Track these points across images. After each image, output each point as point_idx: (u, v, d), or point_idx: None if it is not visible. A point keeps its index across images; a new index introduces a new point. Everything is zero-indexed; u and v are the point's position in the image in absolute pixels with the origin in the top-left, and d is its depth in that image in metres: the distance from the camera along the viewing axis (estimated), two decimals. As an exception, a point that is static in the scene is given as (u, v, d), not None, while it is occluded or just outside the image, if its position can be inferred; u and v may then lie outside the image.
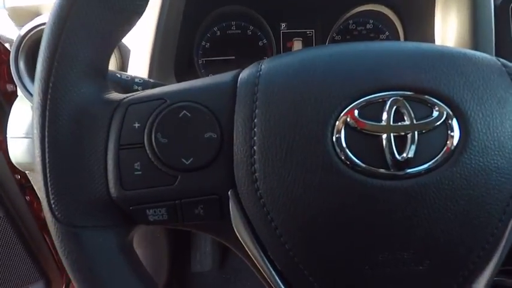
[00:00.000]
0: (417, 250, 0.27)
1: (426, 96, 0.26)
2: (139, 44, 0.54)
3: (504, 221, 0.27)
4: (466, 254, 0.27)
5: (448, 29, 0.57)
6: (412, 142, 0.25)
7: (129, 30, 0.32)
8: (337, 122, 0.26)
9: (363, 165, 0.26)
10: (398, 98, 0.26)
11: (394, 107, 0.26)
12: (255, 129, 0.27)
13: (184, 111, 0.27)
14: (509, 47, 0.56)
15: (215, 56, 0.74)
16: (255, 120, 0.27)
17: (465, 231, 0.27)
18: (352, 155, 0.26)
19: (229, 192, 0.28)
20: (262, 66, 0.29)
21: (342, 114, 0.26)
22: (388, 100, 0.26)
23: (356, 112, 0.26)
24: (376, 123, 0.26)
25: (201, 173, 0.28)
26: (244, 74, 0.29)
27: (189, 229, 0.30)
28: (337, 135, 0.26)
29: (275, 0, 0.71)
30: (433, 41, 0.60)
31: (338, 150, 0.26)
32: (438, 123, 0.26)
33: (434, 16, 0.58)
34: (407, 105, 0.26)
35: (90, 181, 0.27)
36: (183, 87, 0.29)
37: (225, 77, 0.29)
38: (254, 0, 0.70)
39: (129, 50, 0.62)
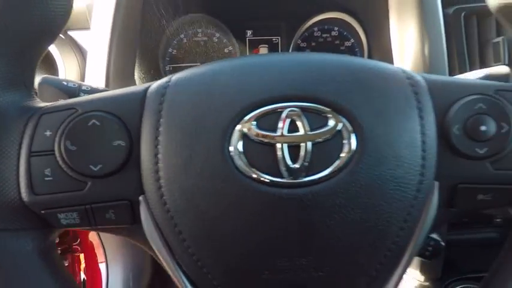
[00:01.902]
0: (316, 257, 0.27)
1: (322, 107, 0.27)
2: (94, 51, 0.55)
3: (406, 229, 0.28)
4: (367, 261, 0.28)
5: (404, 38, 0.58)
6: (306, 151, 0.26)
7: (55, 34, 0.32)
8: (235, 133, 0.26)
9: (260, 174, 0.26)
10: (295, 109, 0.26)
11: (290, 118, 0.26)
12: (159, 138, 0.27)
13: (94, 120, 0.28)
14: (462, 55, 0.56)
15: (182, 62, 0.75)
16: (160, 129, 0.28)
17: (364, 239, 0.27)
18: (249, 164, 0.26)
19: (140, 198, 0.29)
20: (173, 78, 0.29)
21: (239, 125, 0.26)
22: (284, 111, 0.26)
23: (253, 123, 0.26)
24: (271, 133, 0.26)
25: (110, 179, 0.28)
26: (155, 84, 0.30)
27: (103, 232, 0.31)
28: (234, 146, 0.26)
29: (240, 8, 0.72)
30: (390, 48, 0.61)
31: (235, 160, 0.26)
32: (333, 133, 0.26)
33: (389, 21, 0.59)
34: (303, 116, 0.26)
35: (2, 186, 0.28)
36: (96, 97, 0.30)
37: (138, 87, 0.30)
38: (219, 9, 0.71)
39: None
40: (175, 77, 0.30)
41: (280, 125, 0.26)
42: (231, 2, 0.71)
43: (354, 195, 0.26)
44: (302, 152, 0.26)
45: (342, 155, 0.26)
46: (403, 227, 0.28)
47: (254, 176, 0.26)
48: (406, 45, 0.57)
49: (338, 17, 0.71)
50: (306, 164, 0.26)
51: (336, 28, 0.73)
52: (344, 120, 0.26)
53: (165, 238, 0.28)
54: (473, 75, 0.45)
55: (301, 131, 0.26)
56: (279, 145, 0.26)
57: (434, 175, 0.28)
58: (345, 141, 0.26)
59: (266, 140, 0.26)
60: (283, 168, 0.26)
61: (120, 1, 0.53)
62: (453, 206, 0.30)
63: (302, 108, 0.27)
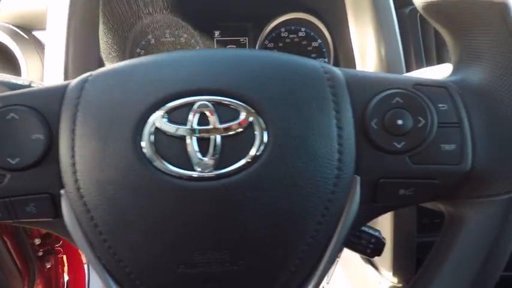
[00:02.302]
0: (231, 250, 0.27)
1: (233, 101, 0.27)
2: (50, 51, 0.55)
3: (325, 224, 0.28)
4: (284, 256, 0.28)
5: (363, 38, 0.58)
6: (216, 145, 0.26)
7: None
8: (147, 126, 0.26)
9: (171, 167, 0.26)
10: (206, 102, 0.26)
11: (201, 111, 0.26)
12: (76, 131, 0.27)
13: (12, 114, 0.28)
14: (419, 55, 0.57)
15: (150, 63, 0.75)
16: (76, 122, 0.27)
17: (279, 233, 0.27)
18: (161, 157, 0.26)
19: (61, 192, 0.28)
20: (94, 72, 0.29)
21: (151, 118, 0.26)
22: (195, 104, 0.26)
23: (165, 116, 0.26)
24: (181, 127, 0.26)
25: (29, 173, 0.28)
26: (76, 79, 0.30)
27: (28, 226, 0.31)
28: (146, 139, 0.26)
29: (207, 8, 0.72)
30: (351, 45, 0.61)
31: (147, 153, 0.26)
32: (243, 126, 0.26)
33: (348, 21, 0.59)
34: (213, 109, 0.26)
35: None
36: (19, 92, 0.30)
37: (61, 83, 0.30)
38: (186, 9, 0.72)
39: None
40: (96, 72, 0.29)
41: (190, 118, 0.26)
42: (198, 3, 0.71)
43: (266, 189, 0.26)
44: (212, 145, 0.26)
45: (253, 148, 0.26)
46: (320, 222, 0.28)
47: (165, 169, 0.26)
48: (365, 45, 0.58)
49: (303, 17, 0.72)
50: (216, 157, 0.26)
51: (302, 29, 0.74)
52: (255, 113, 0.26)
53: (84, 232, 0.28)
54: (418, 74, 0.46)
55: (211, 125, 0.26)
56: (188, 138, 0.26)
57: (354, 170, 0.28)
58: (256, 134, 0.26)
59: (177, 133, 0.26)
60: (194, 162, 0.26)
61: (75, 1, 0.53)
62: (376, 201, 0.30)
63: (213, 102, 0.27)
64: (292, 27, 0.74)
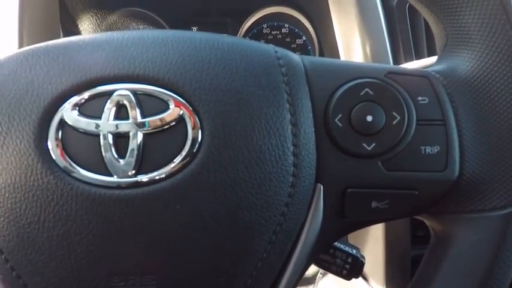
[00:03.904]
0: (157, 276, 0.22)
1: (160, 89, 0.21)
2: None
3: (277, 244, 0.22)
4: (227, 284, 0.22)
5: (347, 34, 0.53)
6: (136, 144, 0.21)
7: None
8: (54, 120, 0.21)
9: (81, 171, 0.21)
10: (125, 91, 0.21)
11: (118, 103, 0.21)
12: None
13: None
14: (409, 49, 0.52)
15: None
16: None
17: (219, 257, 0.22)
18: (70, 159, 0.21)
19: None
20: (2, 57, 0.24)
21: (59, 111, 0.21)
22: (112, 94, 0.21)
23: (75, 108, 0.21)
24: (94, 121, 0.21)
25: None
26: None
27: None
28: (52, 136, 0.21)
29: (184, 3, 0.68)
30: (336, 42, 0.56)
31: (52, 152, 0.21)
32: (170, 120, 0.21)
33: (331, 16, 0.54)
34: (134, 100, 0.21)
35: None
36: None
37: None
38: (161, 4, 0.67)
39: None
40: (3, 56, 0.25)
41: (106, 111, 0.21)
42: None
43: (200, 200, 0.21)
44: (131, 145, 0.21)
45: (184, 149, 0.21)
46: (272, 241, 0.22)
47: (74, 173, 0.21)
48: (350, 41, 0.53)
49: (286, 12, 0.67)
50: (136, 159, 0.21)
51: (286, 25, 0.69)
52: (187, 105, 0.21)
53: None
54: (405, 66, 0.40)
55: (131, 119, 0.21)
56: (103, 136, 0.21)
57: (315, 176, 0.23)
58: (188, 131, 0.21)
59: (88, 129, 0.21)
60: (109, 165, 0.21)
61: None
62: (345, 216, 0.25)
63: (135, 92, 0.21)
64: (275, 23, 0.69)
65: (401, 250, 0.57)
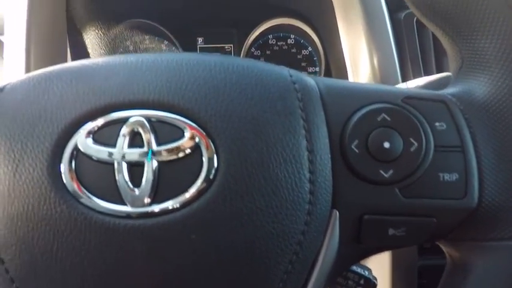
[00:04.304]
0: None
1: (176, 116, 0.21)
2: (9, 63, 0.50)
3: (294, 274, 0.22)
4: None
5: (354, 46, 0.53)
6: (152, 172, 0.20)
7: None
8: (67, 148, 0.21)
9: (95, 200, 0.20)
10: (140, 118, 0.21)
11: (133, 130, 0.21)
12: None
13: None
14: (417, 63, 0.51)
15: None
16: None
17: (235, 286, 0.22)
18: (83, 187, 0.21)
19: None
20: (10, 83, 0.24)
21: (72, 138, 0.21)
22: (127, 121, 0.21)
23: (89, 135, 0.21)
24: (108, 150, 0.21)
25: None
26: None
27: None
28: (66, 164, 0.21)
29: (190, 14, 0.68)
30: (342, 53, 0.56)
31: (66, 181, 0.21)
32: (187, 148, 0.21)
33: (338, 27, 0.54)
34: (149, 128, 0.21)
35: None
36: None
37: None
38: (166, 15, 0.67)
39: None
40: (12, 82, 0.24)
41: (120, 138, 0.21)
42: (181, 8, 0.67)
43: (215, 230, 0.21)
44: (146, 173, 0.20)
45: (199, 177, 0.21)
46: (289, 270, 0.22)
47: (88, 202, 0.20)
48: (357, 54, 0.53)
49: (291, 23, 0.67)
50: (151, 188, 0.20)
51: (292, 36, 0.69)
52: (203, 133, 0.21)
53: None
54: (413, 84, 0.40)
55: (146, 147, 0.21)
56: (117, 164, 0.21)
57: (331, 203, 0.23)
58: (203, 160, 0.21)
59: (103, 158, 0.21)
60: (123, 194, 0.20)
61: (34, 6, 0.48)
62: (361, 242, 0.24)
63: (149, 118, 0.21)
64: (281, 34, 0.69)
65: (408, 260, 0.57)
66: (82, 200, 0.21)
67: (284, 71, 0.24)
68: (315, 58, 0.69)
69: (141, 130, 0.21)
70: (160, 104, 0.21)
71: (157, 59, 0.23)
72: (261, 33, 0.67)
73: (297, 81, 0.23)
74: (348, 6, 0.49)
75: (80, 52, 0.61)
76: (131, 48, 0.69)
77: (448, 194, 0.23)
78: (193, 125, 0.21)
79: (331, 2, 0.53)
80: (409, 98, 0.23)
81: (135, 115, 0.21)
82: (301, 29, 0.67)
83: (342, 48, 0.56)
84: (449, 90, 0.26)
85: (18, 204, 0.21)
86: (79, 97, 0.22)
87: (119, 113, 0.21)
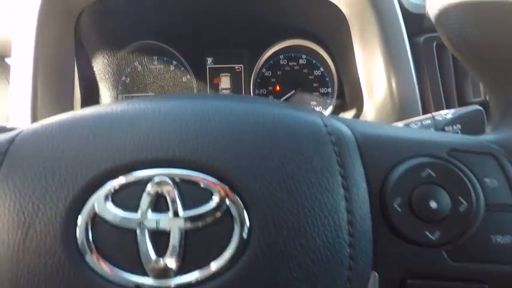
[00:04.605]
0: None
1: (204, 176, 0.19)
2: (16, 85, 0.48)
3: None
4: None
5: (371, 69, 0.51)
6: (175, 241, 0.18)
7: None
8: (83, 212, 0.19)
9: (114, 270, 0.18)
10: (164, 178, 0.19)
11: (157, 192, 0.19)
12: None
13: None
14: (437, 89, 0.50)
15: (136, 92, 0.68)
16: None
17: None
18: (100, 255, 0.19)
19: None
20: (21, 133, 0.22)
21: (89, 201, 0.19)
22: (149, 182, 0.19)
23: (108, 198, 0.19)
24: (129, 215, 0.19)
25: None
26: (1, 136, 0.23)
27: None
28: (82, 230, 0.19)
29: (199, 34, 0.66)
30: (357, 75, 0.54)
31: (82, 249, 0.19)
32: (216, 213, 0.19)
33: (353, 49, 0.52)
34: (174, 189, 0.19)
35: None
36: None
37: None
38: (175, 35, 0.65)
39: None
40: (24, 131, 0.22)
41: (143, 202, 0.19)
42: (190, 27, 0.65)
43: None
44: (171, 241, 0.18)
45: (230, 245, 0.19)
46: None
47: (105, 271, 0.18)
48: (374, 76, 0.51)
49: (304, 44, 0.65)
50: (177, 258, 0.18)
51: (303, 56, 0.67)
52: (234, 194, 0.19)
53: None
54: (442, 116, 0.38)
55: (170, 212, 0.19)
56: (139, 231, 0.19)
57: (371, 265, 0.21)
58: (235, 225, 0.19)
59: (123, 224, 0.19)
60: (146, 264, 0.18)
61: (42, 28, 0.47)
62: None
63: (174, 178, 0.19)
64: (292, 54, 0.68)
65: None
66: (100, 271, 0.19)
67: (318, 120, 0.22)
68: (327, 79, 0.67)
69: (165, 192, 0.19)
70: (185, 162, 0.19)
71: (180, 107, 0.21)
72: (272, 54, 0.66)
73: (332, 132, 0.21)
74: (365, 28, 0.47)
75: (87, 73, 0.59)
76: (139, 68, 0.68)
77: (501, 258, 0.21)
78: (223, 185, 0.19)
79: (347, 23, 0.52)
80: (456, 150, 0.21)
81: (159, 174, 0.19)
82: (313, 49, 0.65)
83: (356, 70, 0.55)
84: (492, 137, 0.24)
85: (28, 274, 0.19)
86: (97, 154, 0.20)
87: (140, 172, 0.19)
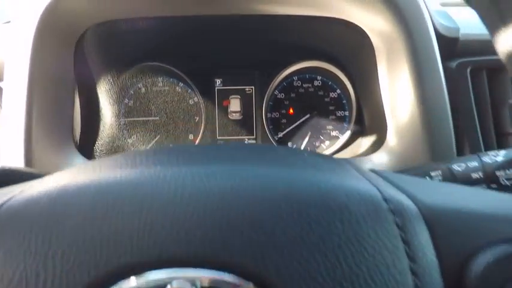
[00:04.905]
0: None
1: (230, 279, 0.15)
2: (8, 113, 0.44)
3: None
4: None
5: (397, 93, 0.47)
6: None
7: None
8: None
9: None
10: (184, 281, 0.15)
11: None
12: None
13: None
14: (471, 118, 0.45)
15: (140, 115, 0.64)
16: None
17: None
18: None
19: None
20: (6, 204, 0.18)
21: None
22: (170, 284, 0.15)
23: None
24: None
25: None
26: None
27: None
28: None
29: (207, 54, 0.62)
30: (381, 99, 0.50)
31: None
32: None
33: (377, 73, 0.48)
34: None
35: None
36: None
37: None
38: (181, 56, 0.61)
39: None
40: (9, 203, 0.18)
41: None
42: (197, 47, 0.61)
43: None
44: None
45: None
46: None
47: None
48: (399, 101, 0.46)
49: (320, 66, 0.61)
50: None
51: (318, 77, 0.63)
52: None
53: None
54: (489, 157, 0.34)
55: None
56: None
57: None
58: None
59: None
60: None
61: (38, 49, 0.43)
62: None
63: (195, 281, 0.15)
64: (307, 76, 0.63)
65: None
66: None
67: (375, 192, 0.17)
68: (344, 101, 0.63)
69: (186, 302, 0.14)
70: (209, 261, 0.15)
71: (199, 185, 0.17)
72: (287, 75, 0.62)
73: (396, 211, 0.17)
74: (394, 53, 0.43)
75: (88, 96, 0.55)
76: (143, 90, 0.63)
77: None
78: None
79: (372, 48, 0.47)
80: None
81: (177, 278, 0.15)
82: (329, 71, 0.61)
83: (379, 94, 0.50)
84: None
85: None
86: (102, 251, 0.15)
87: (155, 274, 0.15)
